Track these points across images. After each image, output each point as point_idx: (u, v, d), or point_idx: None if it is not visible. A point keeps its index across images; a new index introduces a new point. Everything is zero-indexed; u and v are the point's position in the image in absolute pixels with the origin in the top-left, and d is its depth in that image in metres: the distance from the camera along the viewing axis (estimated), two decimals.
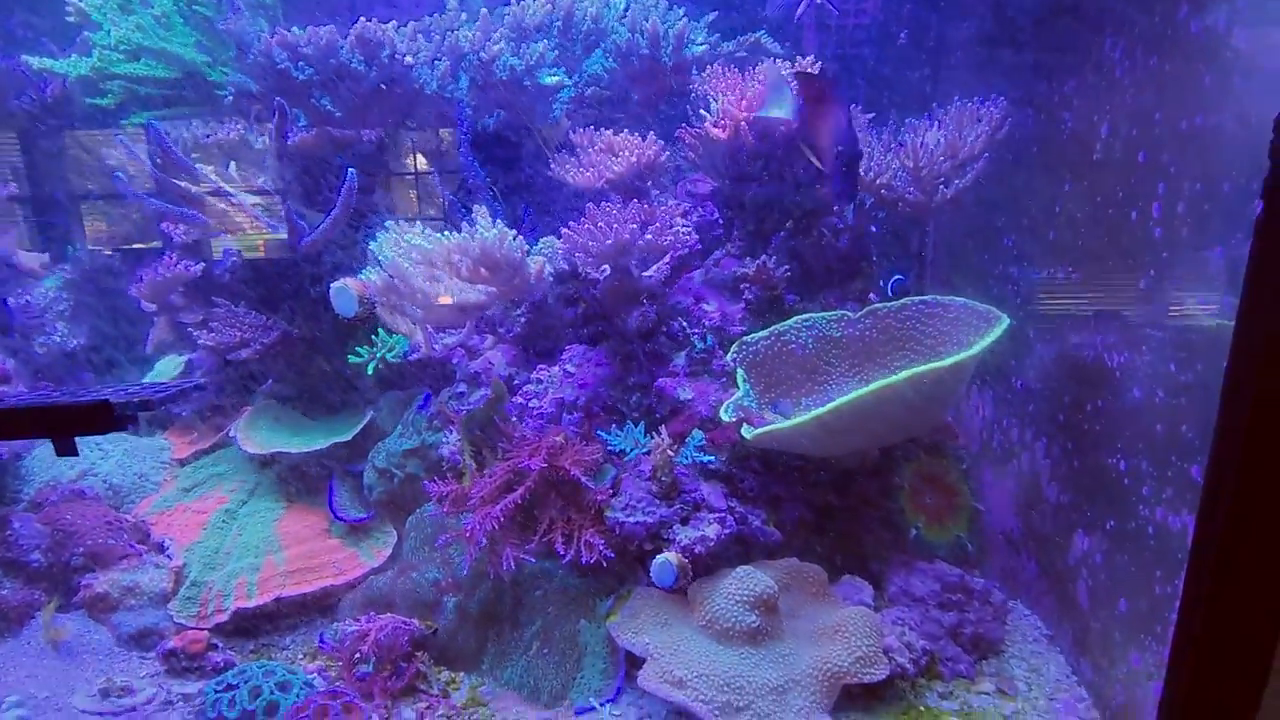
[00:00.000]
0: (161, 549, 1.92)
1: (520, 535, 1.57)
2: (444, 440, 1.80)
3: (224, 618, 1.78)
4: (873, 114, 1.98)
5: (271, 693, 1.58)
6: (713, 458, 1.50)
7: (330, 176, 1.90)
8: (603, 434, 1.58)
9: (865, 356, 1.75)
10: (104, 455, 2.09)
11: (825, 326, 1.74)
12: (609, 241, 1.45)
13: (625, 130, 1.74)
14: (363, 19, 1.75)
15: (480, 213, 1.57)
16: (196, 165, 2.04)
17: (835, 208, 1.58)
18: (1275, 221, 1.06)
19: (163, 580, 1.86)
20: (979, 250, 1.91)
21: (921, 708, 1.49)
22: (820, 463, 1.65)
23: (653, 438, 1.51)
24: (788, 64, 1.93)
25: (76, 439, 1.32)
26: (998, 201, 1.76)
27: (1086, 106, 1.58)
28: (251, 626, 1.82)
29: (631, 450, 1.53)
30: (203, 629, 1.74)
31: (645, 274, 1.61)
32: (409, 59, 1.74)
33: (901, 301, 1.73)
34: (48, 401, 1.29)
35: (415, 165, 2.03)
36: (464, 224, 1.60)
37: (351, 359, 2.01)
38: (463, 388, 1.90)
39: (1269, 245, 1.07)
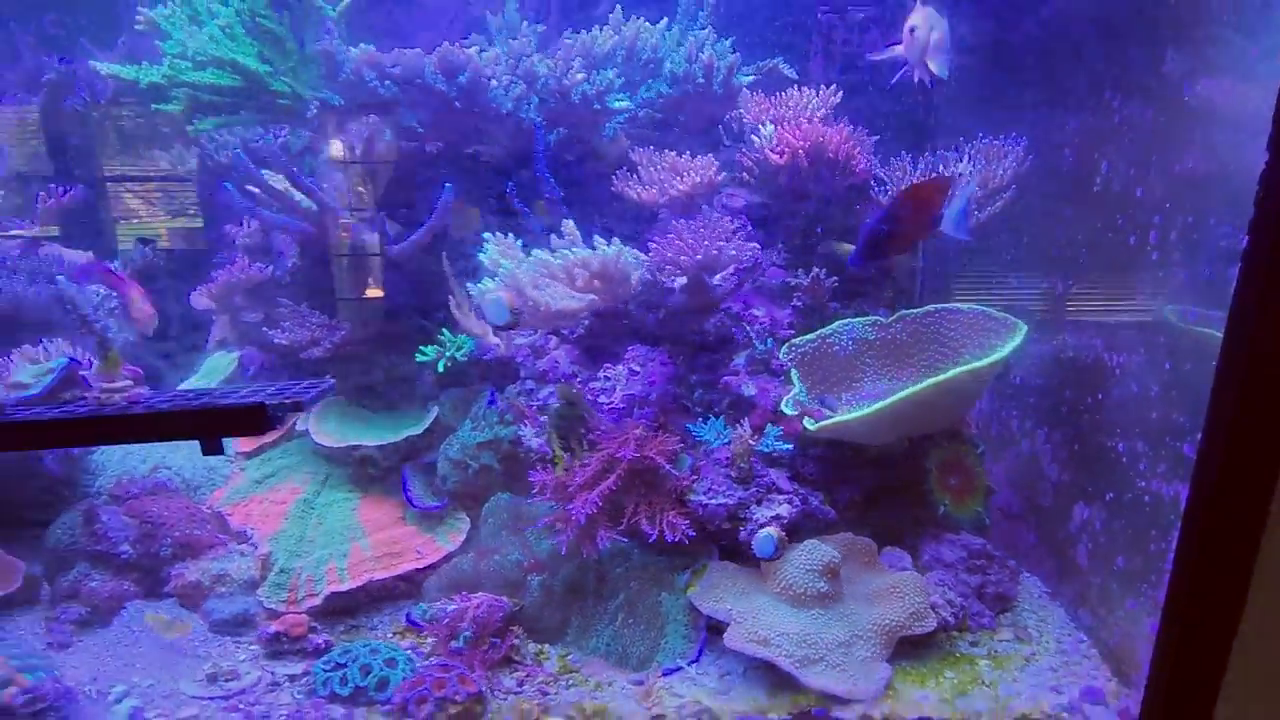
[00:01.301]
0: (244, 538, 2.02)
1: (609, 518, 1.76)
2: (522, 433, 1.97)
3: (316, 601, 1.90)
4: (876, 136, 2.21)
5: (381, 669, 1.72)
6: (791, 446, 1.72)
7: (408, 188, 2.02)
8: (690, 427, 1.78)
9: (895, 357, 2.01)
10: (173, 448, 2.16)
11: (862, 330, 1.98)
12: (698, 256, 1.65)
13: (687, 152, 1.94)
14: (446, 43, 1.88)
15: (568, 228, 1.74)
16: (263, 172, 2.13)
17: (849, 263, 1.74)
18: (1258, 251, 1.36)
19: (250, 568, 1.96)
20: (980, 262, 2.19)
21: (958, 654, 1.77)
22: (863, 451, 1.90)
23: (732, 430, 1.72)
24: (813, 93, 2.17)
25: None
26: (1001, 221, 2.02)
27: (1087, 146, 1.86)
28: (339, 610, 1.95)
29: (715, 440, 1.74)
30: (302, 613, 1.86)
31: (714, 282, 1.81)
32: (494, 82, 1.88)
33: (927, 308, 1.99)
34: (208, 404, 1.41)
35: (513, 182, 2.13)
36: (553, 238, 1.77)
37: (419, 358, 2.15)
38: (530, 384, 2.07)
39: (1252, 271, 1.38)
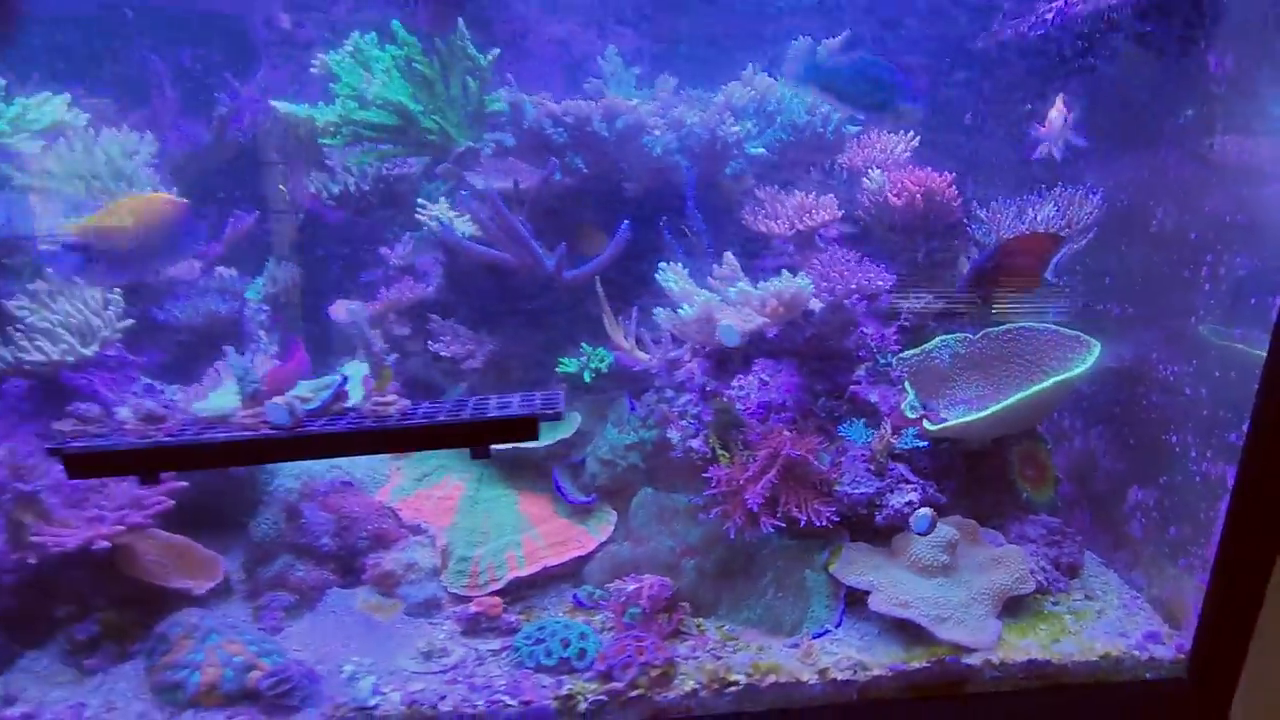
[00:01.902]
0: (418, 530, 2.25)
1: (767, 507, 2.08)
2: (670, 436, 2.26)
3: (498, 586, 2.15)
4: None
5: (578, 641, 1.99)
6: (927, 443, 2.07)
7: (569, 220, 2.29)
8: (841, 429, 2.11)
9: (980, 369, 2.39)
10: None
11: (955, 345, 2.36)
12: (853, 285, 1.98)
13: (813, 192, 2.27)
14: (610, 95, 2.16)
15: (729, 260, 2.05)
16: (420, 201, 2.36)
17: (958, 286, 2.12)
18: None
19: (432, 556, 2.20)
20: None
21: (1045, 611, 2.15)
22: (960, 447, 2.27)
23: (872, 431, 2.07)
24: (897, 137, 2.53)
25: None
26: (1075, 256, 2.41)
27: (1142, 193, 2.26)
28: (512, 594, 2.20)
29: (860, 440, 2.08)
30: (496, 595, 2.11)
31: (848, 304, 2.15)
32: (656, 131, 2.16)
33: (1006, 327, 2.37)
34: (479, 415, 1.66)
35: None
36: (715, 267, 2.08)
37: (560, 369, 2.42)
38: (670, 393, 2.36)
39: None
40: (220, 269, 2.36)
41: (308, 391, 1.71)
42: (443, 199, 2.42)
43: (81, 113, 2.10)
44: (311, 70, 2.27)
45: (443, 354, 2.32)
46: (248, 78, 2.57)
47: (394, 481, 2.38)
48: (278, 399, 1.60)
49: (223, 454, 1.56)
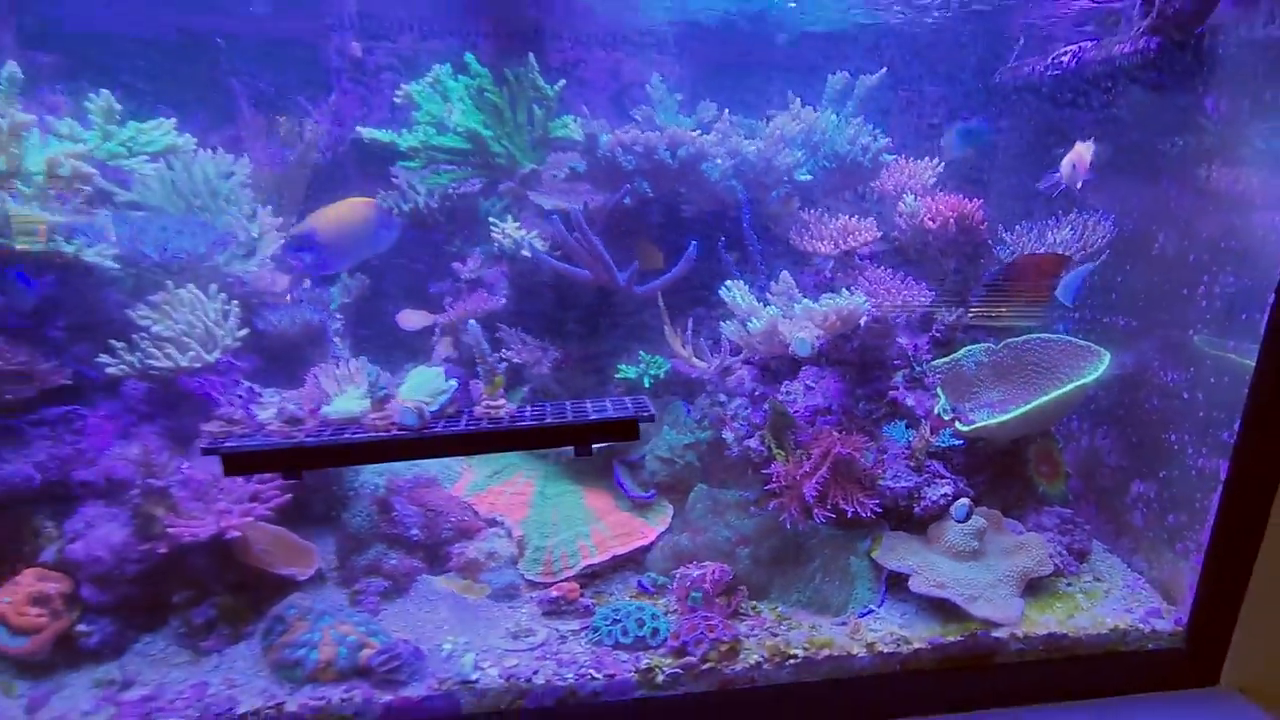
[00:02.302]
0: (494, 523, 2.45)
1: (818, 499, 2.31)
2: (725, 436, 2.48)
3: (572, 572, 2.36)
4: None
5: (651, 621, 2.20)
6: (963, 442, 2.32)
7: (634, 237, 2.51)
8: (886, 429, 2.35)
9: (1000, 376, 2.65)
10: None
11: (979, 354, 2.61)
12: (899, 302, 2.23)
13: (844, 212, 2.52)
14: (672, 127, 2.37)
15: (785, 278, 2.28)
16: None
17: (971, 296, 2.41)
18: None
19: (510, 547, 2.40)
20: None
21: (1060, 591, 2.41)
22: (985, 446, 2.52)
23: (913, 432, 2.31)
24: (924, 164, 2.78)
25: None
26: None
27: (1145, 220, 2.54)
28: (582, 580, 2.41)
29: (901, 439, 2.32)
30: (573, 580, 2.32)
31: (889, 318, 2.39)
32: (719, 161, 2.38)
33: (1025, 337, 2.63)
34: (584, 418, 1.86)
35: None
36: (772, 284, 2.30)
37: (619, 375, 2.63)
38: (723, 398, 2.59)
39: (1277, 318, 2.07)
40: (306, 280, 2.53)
41: (426, 396, 1.90)
42: (509, 217, 2.61)
43: (190, 137, 2.26)
44: (395, 100, 2.45)
45: (516, 361, 2.51)
46: (320, 102, 2.74)
47: (466, 478, 2.58)
48: (408, 403, 1.79)
49: (359, 453, 1.75)
